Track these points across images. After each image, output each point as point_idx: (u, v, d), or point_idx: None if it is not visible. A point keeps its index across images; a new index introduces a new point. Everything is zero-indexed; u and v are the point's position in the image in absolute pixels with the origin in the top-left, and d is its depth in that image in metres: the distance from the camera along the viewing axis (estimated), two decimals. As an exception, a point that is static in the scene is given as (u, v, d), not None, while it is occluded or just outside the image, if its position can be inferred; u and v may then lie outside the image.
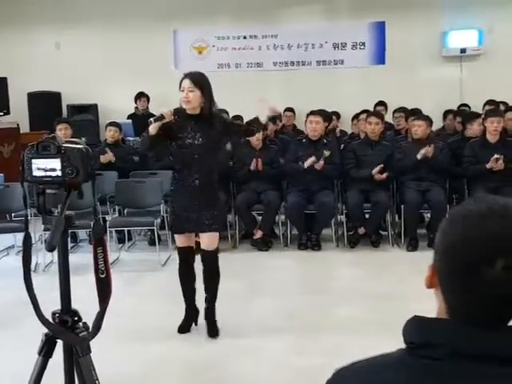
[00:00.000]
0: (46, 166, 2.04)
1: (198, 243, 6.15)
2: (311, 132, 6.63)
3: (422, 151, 6.34)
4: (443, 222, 1.08)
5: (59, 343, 2.12)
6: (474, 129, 6.90)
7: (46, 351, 2.09)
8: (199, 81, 4.02)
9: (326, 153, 6.49)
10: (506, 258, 0.97)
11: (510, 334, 1.02)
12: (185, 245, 4.23)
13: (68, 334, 2.05)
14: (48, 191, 2.07)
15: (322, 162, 6.39)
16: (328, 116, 7.59)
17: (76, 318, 2.08)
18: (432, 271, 1.08)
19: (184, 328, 4.26)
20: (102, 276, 2.08)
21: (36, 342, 2.13)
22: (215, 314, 4.25)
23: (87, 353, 2.05)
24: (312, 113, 6.77)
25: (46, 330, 2.09)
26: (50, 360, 2.11)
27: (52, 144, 2.04)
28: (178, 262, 4.32)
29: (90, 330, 2.06)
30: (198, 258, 4.34)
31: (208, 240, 4.20)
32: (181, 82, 4.03)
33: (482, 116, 6.92)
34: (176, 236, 4.28)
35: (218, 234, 4.24)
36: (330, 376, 1.11)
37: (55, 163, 2.03)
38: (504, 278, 0.97)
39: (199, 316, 4.33)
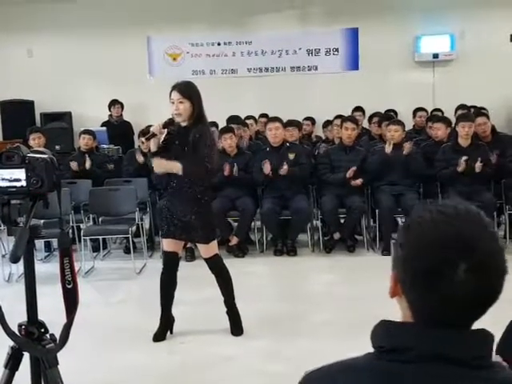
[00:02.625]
0: (11, 177, 2.02)
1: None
2: (272, 139, 6.68)
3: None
4: (400, 230, 1.09)
5: (26, 355, 2.08)
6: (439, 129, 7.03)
7: (13, 364, 2.05)
8: (188, 91, 3.99)
9: (291, 155, 6.54)
10: (468, 261, 0.99)
11: (474, 336, 1.03)
12: (171, 250, 4.21)
13: (34, 346, 2.02)
14: (13, 202, 2.04)
15: (285, 167, 6.42)
16: (298, 124, 7.63)
17: (43, 330, 2.05)
18: (394, 280, 1.09)
19: (159, 336, 4.23)
20: (69, 286, 2.05)
21: (2, 354, 2.10)
22: (237, 315, 4.28)
23: (54, 364, 2.03)
24: (270, 120, 6.90)
25: (12, 343, 2.06)
26: (17, 371, 2.08)
27: (16, 154, 2.02)
28: (161, 266, 4.27)
29: (57, 341, 2.03)
30: (181, 266, 4.33)
31: (202, 250, 4.23)
32: (170, 93, 3.99)
33: (454, 121, 7.00)
34: (163, 240, 4.28)
35: (212, 242, 4.19)
36: (300, 379, 1.12)
37: (20, 173, 2.01)
38: (467, 280, 0.99)
39: (174, 324, 4.31)
